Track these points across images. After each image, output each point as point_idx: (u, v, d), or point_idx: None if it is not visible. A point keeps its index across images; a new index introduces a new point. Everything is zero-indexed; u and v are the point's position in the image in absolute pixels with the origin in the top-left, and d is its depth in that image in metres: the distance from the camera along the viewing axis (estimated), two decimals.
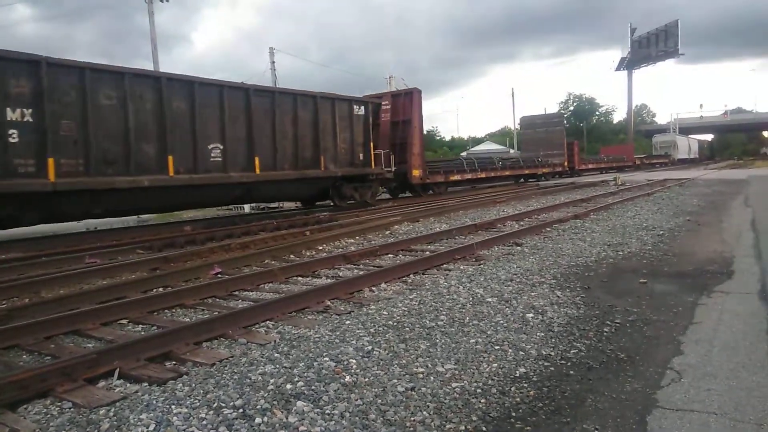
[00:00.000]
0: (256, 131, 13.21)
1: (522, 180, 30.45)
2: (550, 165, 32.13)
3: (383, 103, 19.28)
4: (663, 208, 13.74)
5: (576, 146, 37.72)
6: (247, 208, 19.63)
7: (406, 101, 19.47)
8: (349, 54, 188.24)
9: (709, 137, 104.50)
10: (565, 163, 34.30)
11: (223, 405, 3.07)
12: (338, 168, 15.64)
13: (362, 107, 16.59)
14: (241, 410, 3.00)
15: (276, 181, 13.98)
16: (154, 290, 6.33)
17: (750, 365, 3.63)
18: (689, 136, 76.02)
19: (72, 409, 3.18)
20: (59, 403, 3.26)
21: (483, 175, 24.65)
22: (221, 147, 12.43)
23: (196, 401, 3.14)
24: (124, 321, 5.15)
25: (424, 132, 23.35)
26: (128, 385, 3.54)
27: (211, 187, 12.45)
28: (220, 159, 12.39)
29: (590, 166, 41.72)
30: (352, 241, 9.96)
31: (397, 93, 20.27)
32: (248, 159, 13.09)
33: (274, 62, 37.13)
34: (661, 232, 9.53)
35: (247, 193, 13.85)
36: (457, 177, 22.56)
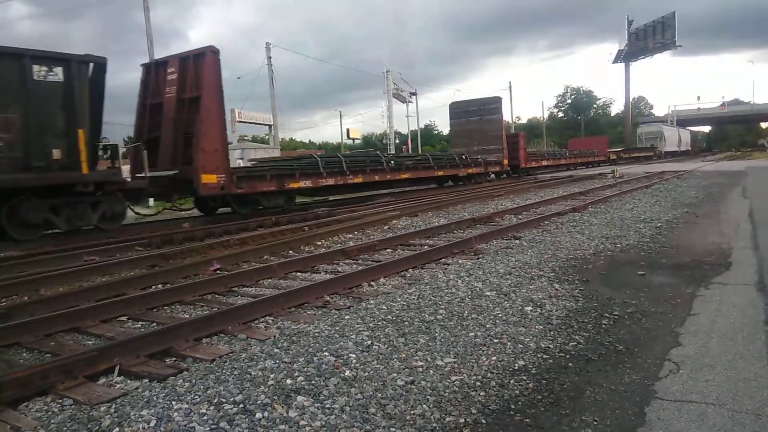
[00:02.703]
0: None
1: (449, 183, 23.67)
2: (480, 164, 24.11)
3: (169, 70, 13.14)
4: (661, 200, 13.76)
5: (522, 139, 29.84)
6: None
7: (198, 68, 12.66)
8: (346, 50, 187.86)
9: (707, 129, 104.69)
10: (505, 161, 26.26)
11: (224, 400, 3.08)
12: None
13: (58, 69, 10.01)
14: (241, 405, 3.01)
15: None
16: (153, 287, 6.33)
17: (748, 356, 3.65)
18: (685, 127, 75.38)
19: (73, 406, 3.18)
20: (60, 401, 3.27)
21: (357, 180, 16.91)
22: None
23: (197, 397, 3.15)
24: (124, 318, 5.16)
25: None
26: (129, 381, 3.55)
27: None
28: None
29: (544, 163, 33.71)
30: (351, 236, 9.96)
31: (185, 55, 13.14)
32: None
33: (270, 57, 37.10)
34: (659, 225, 9.55)
35: None
36: (304, 184, 15.12)
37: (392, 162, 18.79)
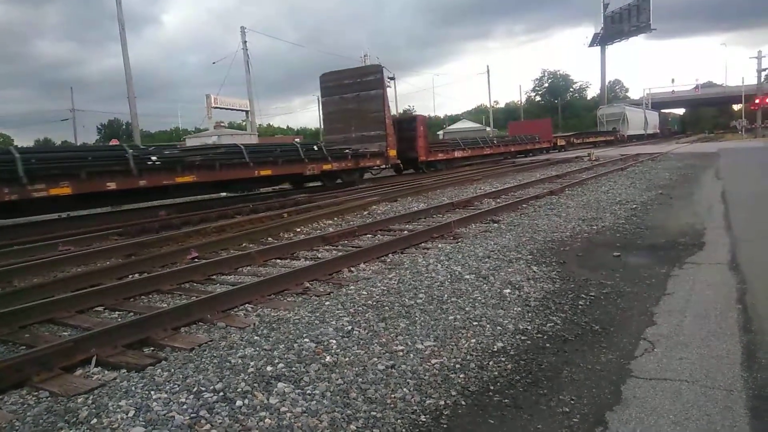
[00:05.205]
0: None
1: (319, 185, 16.86)
2: (344, 157, 16.88)
3: None
4: (636, 182, 13.96)
5: (421, 124, 22.06)
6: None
7: None
8: (324, 34, 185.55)
9: (681, 111, 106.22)
10: (390, 153, 19.06)
11: (203, 389, 3.06)
12: None
13: None
14: (221, 393, 3.00)
15: None
16: (130, 276, 6.25)
17: (720, 333, 3.73)
18: (660, 110, 75.93)
19: (49, 398, 3.14)
20: (36, 393, 3.22)
21: (61, 191, 9.70)
22: None
23: (176, 386, 3.13)
24: (100, 308, 5.08)
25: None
26: (106, 372, 3.51)
27: None
28: None
29: (458, 154, 25.02)
30: (330, 222, 9.93)
31: None
32: None
33: (245, 42, 36.48)
34: (635, 206, 9.69)
35: None
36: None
37: (154, 158, 11.05)
